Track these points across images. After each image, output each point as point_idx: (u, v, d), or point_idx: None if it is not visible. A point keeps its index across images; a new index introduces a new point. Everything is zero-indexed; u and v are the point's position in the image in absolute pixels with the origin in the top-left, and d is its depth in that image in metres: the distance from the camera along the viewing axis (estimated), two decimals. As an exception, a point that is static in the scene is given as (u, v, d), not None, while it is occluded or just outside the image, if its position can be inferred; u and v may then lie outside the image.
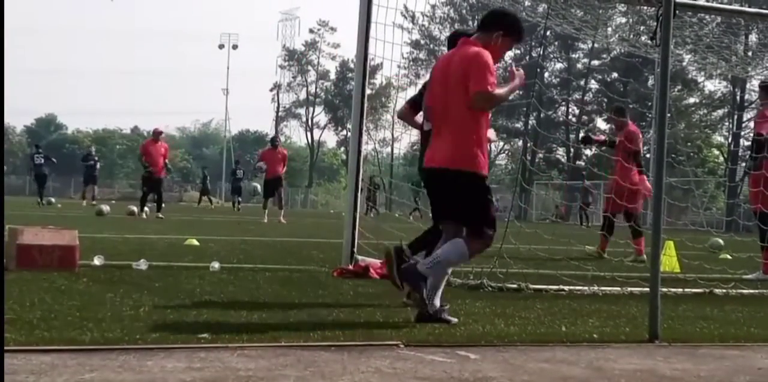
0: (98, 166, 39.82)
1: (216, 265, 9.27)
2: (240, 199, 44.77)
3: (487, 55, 6.12)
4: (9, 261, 8.31)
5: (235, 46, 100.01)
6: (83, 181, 40.66)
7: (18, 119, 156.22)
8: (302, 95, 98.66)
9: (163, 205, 26.71)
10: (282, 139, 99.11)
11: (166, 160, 26.24)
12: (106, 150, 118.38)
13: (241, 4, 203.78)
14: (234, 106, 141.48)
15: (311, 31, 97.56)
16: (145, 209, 25.73)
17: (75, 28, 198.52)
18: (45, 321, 5.21)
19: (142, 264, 8.97)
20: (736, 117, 64.49)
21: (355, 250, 10.01)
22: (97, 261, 9.05)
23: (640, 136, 14.19)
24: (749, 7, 51.15)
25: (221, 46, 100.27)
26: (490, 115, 6.36)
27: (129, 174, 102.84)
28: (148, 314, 5.74)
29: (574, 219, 54.73)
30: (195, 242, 13.18)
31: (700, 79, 67.00)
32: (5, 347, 4.38)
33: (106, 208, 26.58)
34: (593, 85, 76.03)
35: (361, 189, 10.54)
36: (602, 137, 15.33)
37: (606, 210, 13.80)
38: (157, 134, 26.50)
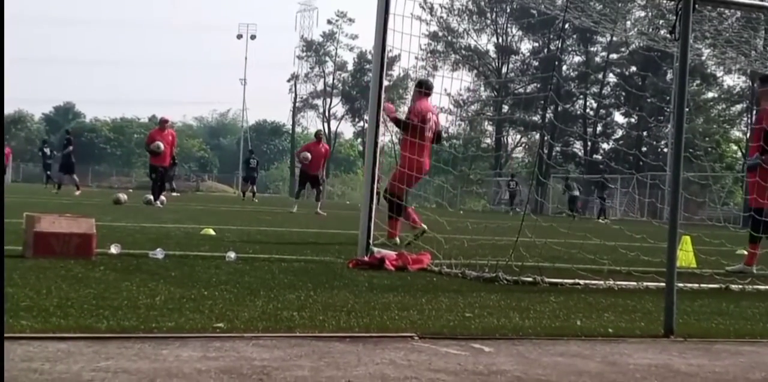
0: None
1: (232, 255, 9.29)
2: (255, 188, 44.80)
3: None
4: (26, 249, 8.34)
5: (253, 37, 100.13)
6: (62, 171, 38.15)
7: (36, 107, 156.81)
8: (320, 86, 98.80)
9: (166, 193, 26.77)
10: (298, 130, 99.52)
11: (174, 148, 26.34)
12: (124, 139, 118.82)
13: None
14: (251, 96, 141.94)
15: (329, 21, 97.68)
16: (161, 198, 25.80)
17: (94, 18, 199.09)
18: (61, 309, 5.23)
19: (159, 253, 8.99)
20: (754, 112, 64.19)
21: (371, 241, 10.02)
22: (113, 249, 9.07)
23: None
24: (770, 1, 50.91)
25: (239, 37, 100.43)
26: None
27: (146, 163, 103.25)
28: (164, 302, 5.76)
29: (590, 213, 54.70)
30: (211, 232, 13.20)
31: (719, 73, 66.81)
32: (22, 334, 4.40)
33: (123, 196, 26.66)
34: (611, 78, 75.87)
35: (379, 181, 10.54)
36: None
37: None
38: (163, 122, 26.57)
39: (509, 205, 53.29)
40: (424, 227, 12.31)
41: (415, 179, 12.91)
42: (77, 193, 34.54)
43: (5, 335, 4.18)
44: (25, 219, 8.58)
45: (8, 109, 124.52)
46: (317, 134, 28.40)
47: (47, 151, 49.27)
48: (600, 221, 39.53)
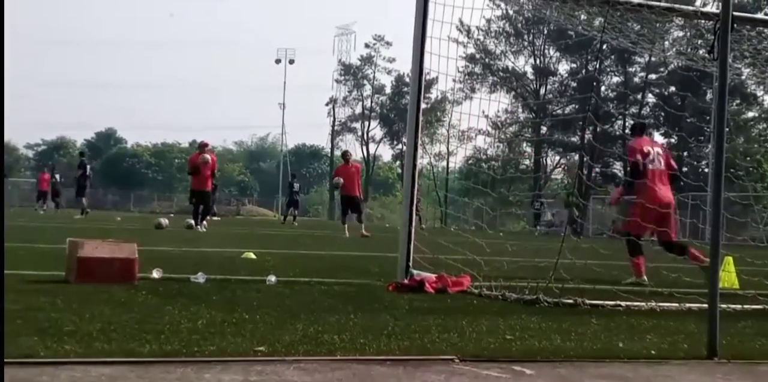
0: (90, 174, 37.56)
1: (273, 278, 9.32)
2: (296, 212, 44.93)
3: None
4: (69, 274, 8.42)
5: (291, 61, 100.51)
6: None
7: (79, 133, 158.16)
8: (358, 109, 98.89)
9: (208, 217, 26.84)
10: (337, 153, 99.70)
11: (215, 171, 26.46)
12: (165, 164, 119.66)
13: (297, 19, 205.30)
14: (290, 120, 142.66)
15: (367, 45, 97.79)
16: (204, 222, 25.94)
17: (135, 42, 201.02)
18: (104, 333, 5.27)
19: (200, 277, 9.04)
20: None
21: (411, 264, 10.02)
22: (155, 274, 9.14)
23: None
24: (810, 19, 50.63)
25: (278, 61, 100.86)
26: None
27: (187, 187, 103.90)
28: (205, 326, 5.79)
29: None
30: (252, 256, 13.25)
31: (759, 92, 66.31)
32: (66, 359, 4.44)
33: (165, 221, 26.82)
34: (650, 98, 75.48)
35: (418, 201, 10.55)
36: None
37: None
38: (203, 146, 26.72)
39: (532, 225, 52.81)
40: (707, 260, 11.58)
41: (657, 215, 12.16)
42: (77, 216, 34.32)
43: (52, 359, 4.22)
44: (68, 244, 8.67)
45: (51, 136, 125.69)
46: (344, 155, 28.50)
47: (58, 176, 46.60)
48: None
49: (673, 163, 13.22)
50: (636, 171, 12.54)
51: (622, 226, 12.69)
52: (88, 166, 37.80)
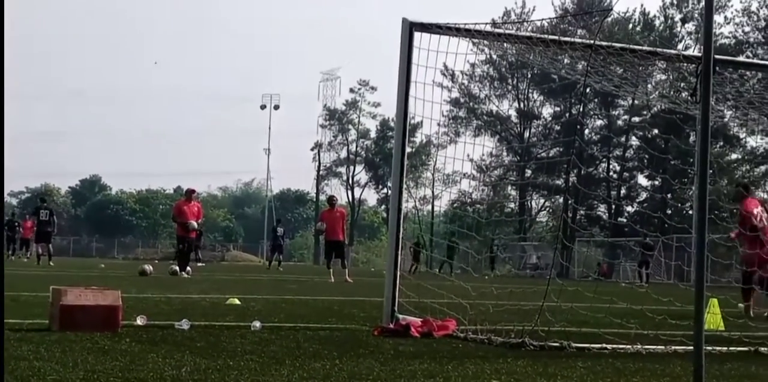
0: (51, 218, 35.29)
1: (257, 324, 9.28)
2: (281, 257, 44.89)
3: None
4: (52, 322, 8.37)
5: (276, 107, 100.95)
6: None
7: (63, 181, 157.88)
8: (343, 154, 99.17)
9: (191, 263, 26.80)
10: (323, 198, 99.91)
11: (200, 220, 26.41)
12: (149, 210, 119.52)
13: (282, 65, 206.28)
14: (275, 165, 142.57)
15: (352, 90, 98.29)
16: (187, 268, 25.86)
17: (119, 90, 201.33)
18: None
19: (185, 324, 8.99)
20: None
21: (396, 308, 9.98)
22: (139, 321, 9.08)
23: None
24: (790, 62, 51.02)
25: (263, 107, 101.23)
26: None
27: (172, 234, 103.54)
28: (190, 373, 5.75)
29: (616, 276, 54.34)
30: (236, 302, 13.20)
31: (742, 135, 66.71)
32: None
33: (149, 267, 26.71)
34: (634, 141, 75.88)
35: (402, 248, 10.54)
36: None
37: None
38: (189, 193, 26.68)
39: (490, 268, 52.10)
40: None
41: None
42: (37, 262, 33.51)
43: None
44: (51, 292, 8.62)
45: (35, 183, 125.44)
46: (329, 200, 28.56)
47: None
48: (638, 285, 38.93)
49: None
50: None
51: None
52: (43, 212, 35.41)
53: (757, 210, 15.56)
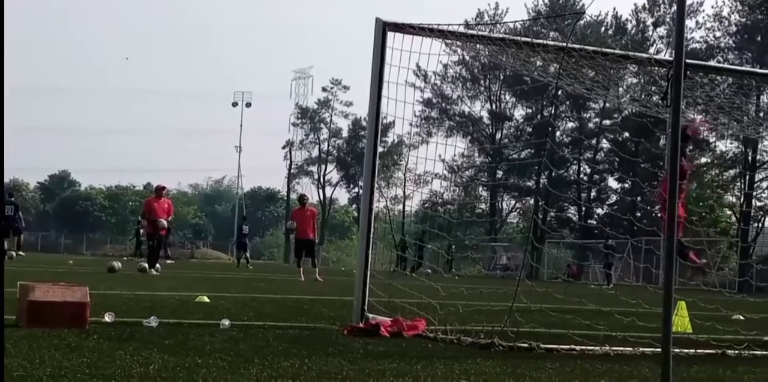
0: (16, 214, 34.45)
1: (226, 322, 9.25)
2: (247, 255, 44.86)
3: None
4: (20, 318, 8.31)
5: (248, 104, 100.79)
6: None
7: (31, 176, 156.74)
8: (314, 153, 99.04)
9: (159, 260, 26.71)
10: (293, 196, 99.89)
11: (169, 217, 26.30)
12: (119, 207, 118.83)
13: (254, 62, 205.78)
14: (246, 163, 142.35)
15: (324, 89, 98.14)
16: (156, 265, 25.76)
17: (89, 87, 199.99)
18: (54, 378, 5.20)
19: (153, 321, 8.95)
20: (747, 177, 64.47)
21: (366, 308, 9.98)
22: (107, 318, 9.04)
23: None
24: (760, 68, 51.40)
25: (235, 104, 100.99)
26: None
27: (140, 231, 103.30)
28: (157, 371, 5.73)
29: (585, 278, 54.52)
30: (206, 299, 13.16)
31: (712, 139, 67.13)
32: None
33: (117, 264, 26.56)
34: (605, 144, 76.23)
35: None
36: None
37: None
38: (159, 190, 26.54)
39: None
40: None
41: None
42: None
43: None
44: (19, 288, 8.56)
45: (4, 178, 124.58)
46: (300, 199, 28.58)
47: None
48: (604, 287, 39.12)
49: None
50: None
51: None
52: (8, 207, 33.71)
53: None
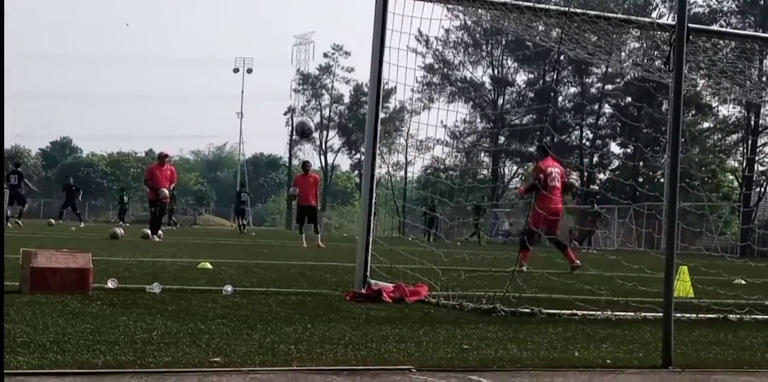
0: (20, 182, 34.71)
1: (229, 288, 9.28)
2: (245, 222, 44.95)
3: None
4: (23, 284, 8.33)
5: (249, 70, 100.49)
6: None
7: (33, 143, 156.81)
8: (316, 119, 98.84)
9: (163, 228, 26.75)
10: (295, 162, 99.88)
11: (172, 185, 26.27)
12: (121, 173, 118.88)
13: (255, 28, 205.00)
14: (248, 129, 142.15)
15: (325, 55, 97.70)
16: (159, 231, 25.79)
17: (90, 53, 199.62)
18: (58, 344, 5.22)
19: (156, 287, 8.98)
20: (750, 142, 64.36)
21: (368, 273, 10.00)
22: (110, 284, 9.06)
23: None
24: (763, 32, 51.17)
25: (236, 70, 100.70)
26: None
27: (143, 197, 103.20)
28: (160, 337, 5.75)
29: (587, 243, 54.59)
30: (208, 266, 13.19)
31: (714, 103, 66.92)
32: (19, 370, 4.39)
33: (120, 231, 26.60)
34: (607, 109, 76.00)
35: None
36: None
37: None
38: (162, 157, 26.47)
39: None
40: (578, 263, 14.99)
41: (550, 221, 15.44)
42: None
43: (5, 371, 4.17)
44: (21, 255, 8.58)
45: (5, 145, 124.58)
46: (304, 166, 28.52)
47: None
48: (584, 249, 39.14)
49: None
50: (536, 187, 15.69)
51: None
52: (12, 176, 34.36)
53: (553, 169, 16.36)
